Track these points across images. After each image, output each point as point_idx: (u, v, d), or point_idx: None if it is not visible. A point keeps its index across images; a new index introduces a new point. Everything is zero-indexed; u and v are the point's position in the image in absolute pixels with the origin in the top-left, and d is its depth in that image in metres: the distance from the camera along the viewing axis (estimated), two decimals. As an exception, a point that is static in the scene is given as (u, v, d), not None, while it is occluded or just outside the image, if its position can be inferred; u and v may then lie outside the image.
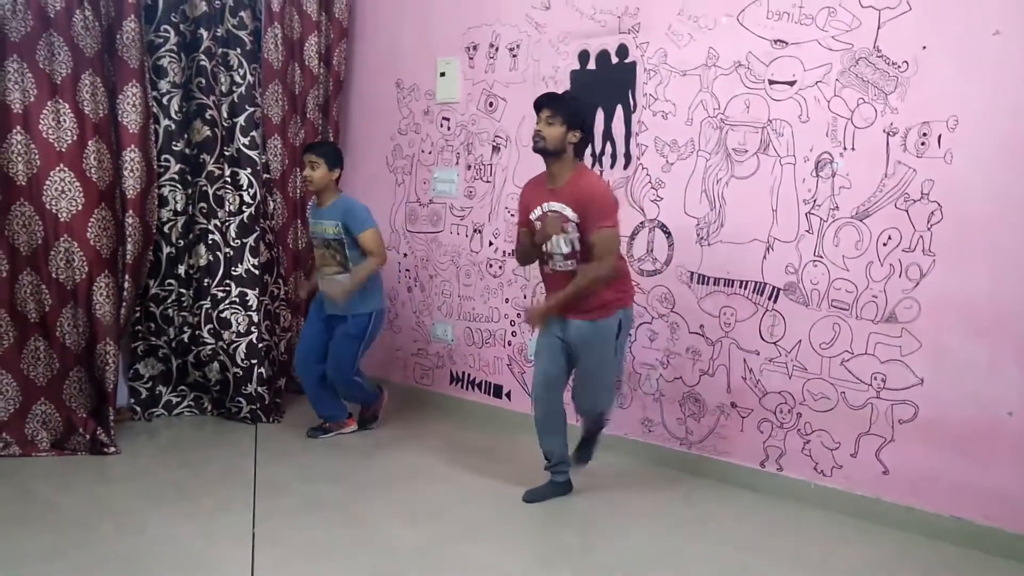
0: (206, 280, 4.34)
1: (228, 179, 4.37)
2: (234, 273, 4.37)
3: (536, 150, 3.17)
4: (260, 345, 4.37)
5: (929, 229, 3.10)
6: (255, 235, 4.41)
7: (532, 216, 3.24)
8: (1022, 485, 2.95)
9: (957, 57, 3.01)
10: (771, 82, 3.45)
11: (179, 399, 4.45)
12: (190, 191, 4.34)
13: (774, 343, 3.51)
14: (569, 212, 3.10)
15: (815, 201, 3.37)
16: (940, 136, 3.06)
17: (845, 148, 3.28)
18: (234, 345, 4.33)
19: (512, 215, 4.35)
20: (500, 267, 4.45)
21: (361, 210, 3.94)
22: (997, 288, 2.98)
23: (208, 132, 4.32)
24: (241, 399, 4.37)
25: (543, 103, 3.14)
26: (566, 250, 3.15)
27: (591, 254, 3.10)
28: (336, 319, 3.99)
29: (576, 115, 3.14)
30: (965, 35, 2.99)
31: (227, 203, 4.37)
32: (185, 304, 4.33)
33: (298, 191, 4.89)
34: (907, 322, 3.17)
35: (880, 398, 3.25)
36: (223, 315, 4.33)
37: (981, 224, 2.99)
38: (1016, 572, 2.89)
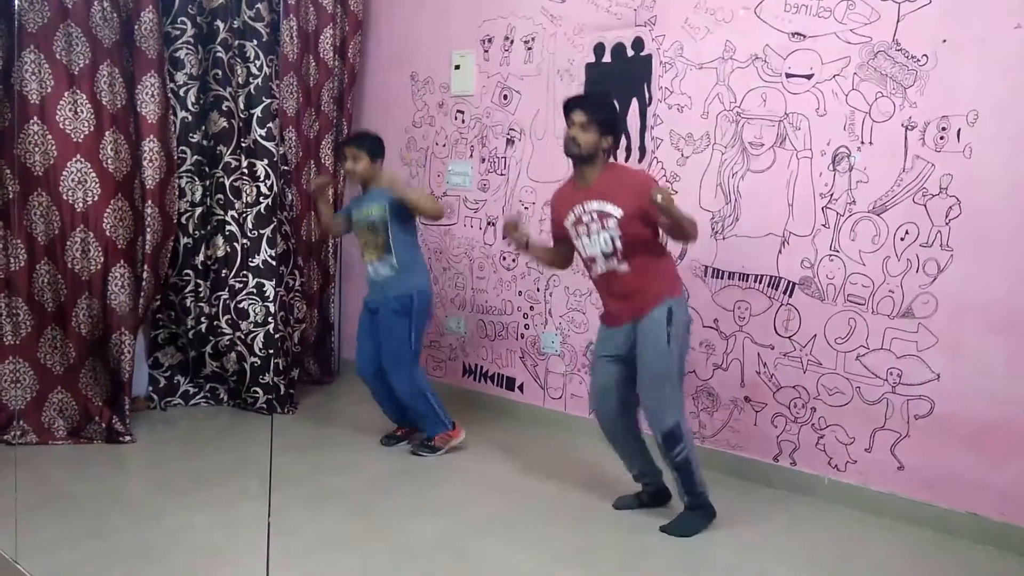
0: (224, 271, 4.36)
1: (245, 170, 4.38)
2: (251, 264, 4.38)
3: (569, 155, 3.06)
4: (276, 336, 4.38)
5: (947, 224, 3.09)
6: (272, 226, 4.41)
7: (567, 223, 3.09)
8: (1039, 482, 2.94)
9: (977, 51, 2.99)
10: (788, 75, 3.44)
11: (196, 389, 4.49)
12: (207, 182, 4.35)
13: (789, 337, 3.49)
14: (611, 208, 2.96)
15: (832, 195, 3.35)
16: (959, 130, 3.04)
17: (863, 142, 3.26)
18: (251, 335, 4.35)
19: (526, 207, 4.35)
20: (513, 260, 4.45)
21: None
22: (1015, 284, 2.96)
23: (225, 123, 4.34)
24: (257, 389, 4.39)
25: (576, 106, 3.02)
26: (607, 249, 2.99)
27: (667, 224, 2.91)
28: (381, 302, 3.82)
29: (611, 121, 3.06)
30: (986, 29, 2.97)
31: (244, 194, 4.38)
32: (202, 295, 4.35)
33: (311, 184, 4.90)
34: (924, 317, 3.15)
35: (896, 393, 3.23)
36: (240, 305, 4.35)
37: (1000, 219, 2.97)
38: (1032, 569, 2.88)
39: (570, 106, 3.05)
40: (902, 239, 3.19)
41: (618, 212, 2.95)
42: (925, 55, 3.10)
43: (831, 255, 3.36)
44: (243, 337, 4.34)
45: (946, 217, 3.09)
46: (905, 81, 3.15)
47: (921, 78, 3.11)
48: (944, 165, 3.08)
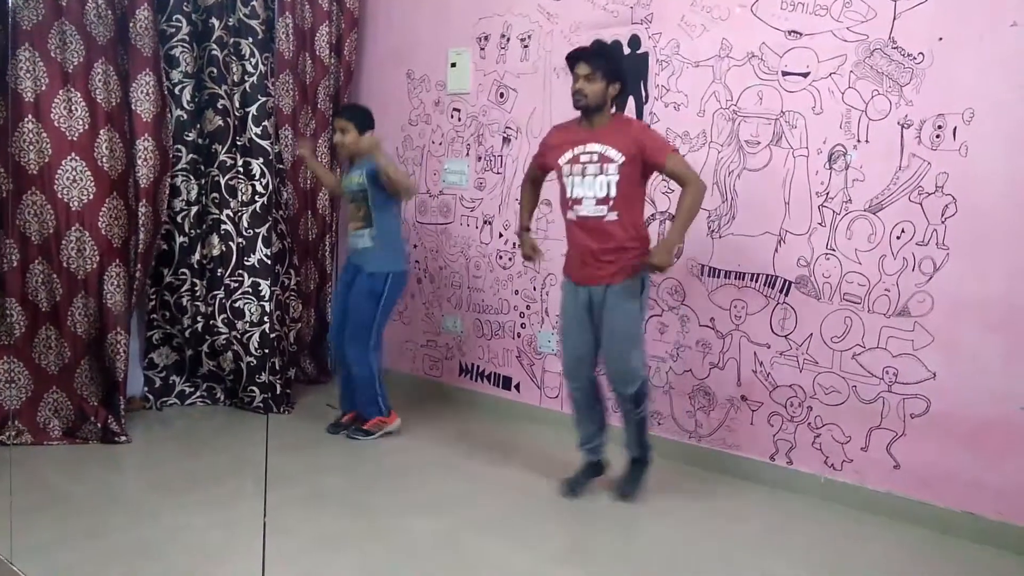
0: (219, 270, 4.35)
1: (240, 169, 4.37)
2: (247, 263, 4.37)
3: (578, 107, 3.10)
4: (272, 336, 4.38)
5: (943, 223, 3.08)
6: (267, 225, 4.41)
7: (562, 159, 3.14)
8: (1035, 480, 2.94)
9: (974, 49, 2.98)
10: (784, 73, 3.43)
11: (192, 389, 4.47)
12: (202, 181, 4.34)
13: (785, 336, 3.49)
14: (613, 152, 3.03)
15: (828, 194, 3.35)
16: (955, 129, 3.04)
17: (859, 140, 3.26)
18: (247, 335, 4.35)
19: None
20: (510, 259, 4.44)
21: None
22: (1012, 282, 2.95)
23: (220, 122, 4.32)
24: (254, 388, 4.38)
25: (579, 58, 3.07)
26: (600, 194, 3.05)
27: (679, 182, 3.06)
28: (358, 272, 3.90)
29: (615, 68, 3.11)
30: (982, 27, 2.96)
31: (240, 193, 4.37)
32: (199, 294, 4.34)
33: (308, 182, 4.89)
34: (920, 316, 3.15)
35: (892, 392, 3.23)
36: (236, 305, 4.34)
37: (996, 218, 2.97)
38: (1028, 568, 2.88)
39: (573, 59, 3.09)
40: (898, 237, 3.18)
41: (620, 157, 3.03)
42: (921, 53, 3.10)
43: (827, 254, 3.35)
44: (239, 337, 4.32)
45: (942, 215, 3.08)
46: (901, 79, 3.14)
47: (917, 76, 3.11)
48: (940, 163, 3.08)
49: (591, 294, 3.16)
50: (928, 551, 2.99)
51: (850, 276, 3.30)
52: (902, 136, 3.16)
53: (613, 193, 3.04)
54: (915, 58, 3.11)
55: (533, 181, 3.45)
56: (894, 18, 3.15)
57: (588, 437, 3.38)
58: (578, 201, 3.11)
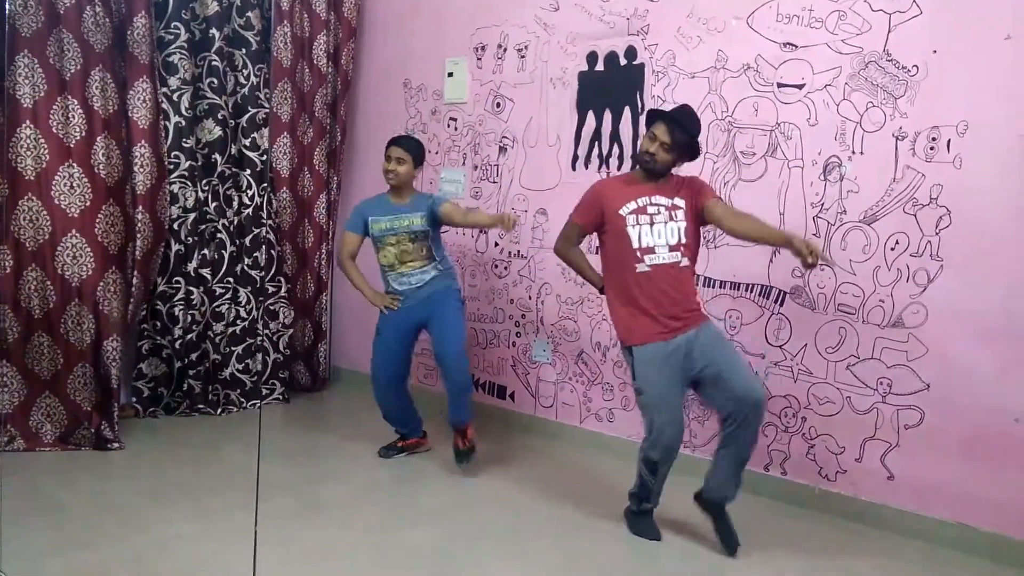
0: (212, 278, 4.38)
1: (233, 179, 4.43)
2: (234, 271, 4.47)
3: (642, 167, 2.99)
4: (252, 341, 4.50)
5: (937, 234, 3.09)
6: (251, 236, 4.53)
7: (624, 210, 2.96)
8: (1028, 492, 2.94)
9: (968, 62, 3.00)
10: (780, 85, 3.45)
11: (180, 399, 4.43)
12: (201, 189, 4.35)
13: (779, 347, 3.49)
14: (679, 201, 2.96)
15: (823, 205, 3.36)
16: (949, 141, 3.05)
17: (854, 152, 3.27)
18: (230, 340, 4.44)
19: (518, 216, 4.34)
20: (505, 268, 4.45)
21: (438, 193, 3.88)
22: (1006, 294, 2.96)
23: (220, 132, 4.35)
24: (240, 395, 4.45)
25: (663, 121, 2.92)
26: (672, 240, 2.94)
27: (727, 215, 2.92)
28: (421, 309, 3.73)
29: (693, 145, 2.96)
30: (976, 39, 2.98)
31: (233, 203, 4.42)
32: (194, 302, 4.34)
33: (307, 190, 4.90)
34: (914, 327, 3.16)
35: (886, 403, 3.23)
36: (219, 311, 4.43)
37: (990, 229, 2.98)
38: (1022, 580, 2.88)
39: (656, 118, 2.96)
40: (892, 249, 3.19)
41: (684, 204, 2.96)
42: (916, 66, 3.11)
43: (822, 264, 3.36)
44: (221, 343, 4.45)
45: (936, 227, 3.09)
46: (896, 91, 3.16)
47: (912, 88, 3.13)
48: (934, 175, 3.09)
49: (686, 342, 2.91)
50: (921, 563, 2.99)
51: (844, 287, 3.31)
52: (896, 148, 3.17)
53: (684, 240, 2.94)
54: (909, 71, 3.13)
55: (574, 243, 3.23)
56: (889, 31, 3.17)
57: (656, 494, 3.11)
58: (650, 250, 2.93)
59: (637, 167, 3.05)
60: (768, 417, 3.52)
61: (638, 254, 2.95)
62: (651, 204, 2.96)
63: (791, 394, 3.47)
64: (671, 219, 2.95)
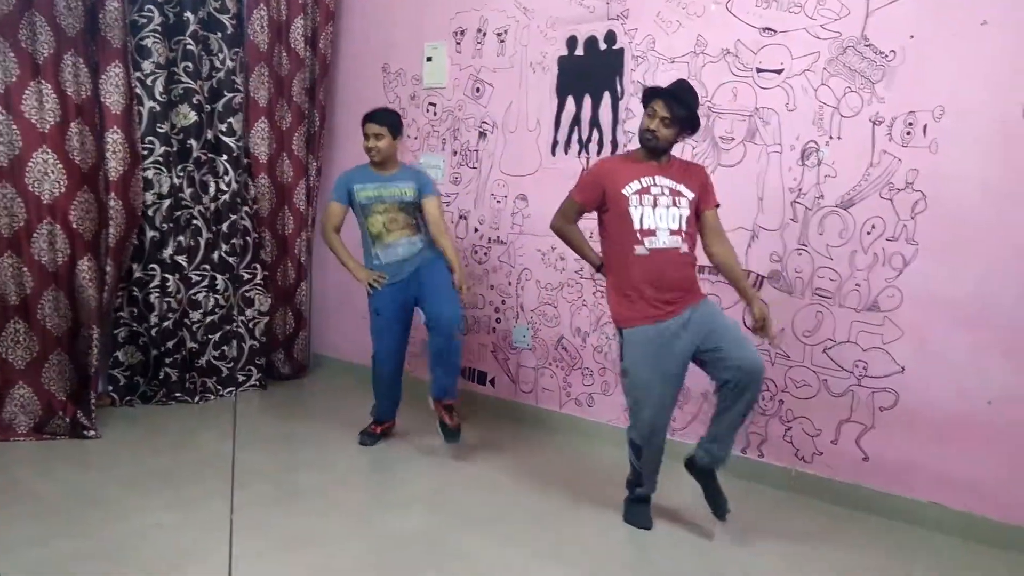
0: (188, 265, 4.35)
1: (210, 165, 4.39)
2: (210, 258, 4.45)
3: (645, 146, 2.95)
4: (228, 327, 4.53)
5: (913, 218, 3.12)
6: (228, 222, 4.51)
7: (627, 190, 2.92)
8: (1001, 472, 2.99)
9: (944, 47, 3.02)
10: (759, 70, 3.45)
11: (156, 388, 4.39)
12: (176, 175, 4.30)
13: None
14: (684, 188, 2.94)
15: (800, 190, 3.38)
16: (925, 126, 3.07)
17: (831, 137, 3.29)
18: (199, 325, 4.44)
19: (498, 201, 4.34)
20: (485, 254, 4.44)
21: (428, 176, 3.84)
22: (979, 277, 3.00)
23: (195, 116, 4.30)
24: (216, 382, 4.46)
25: (661, 97, 2.89)
26: (673, 226, 2.91)
27: (714, 233, 3.01)
28: (411, 283, 3.70)
29: (694, 118, 2.92)
30: (953, 25, 3.00)
31: (210, 189, 4.39)
32: (169, 290, 4.30)
33: (286, 176, 4.86)
34: (889, 310, 3.19)
35: (861, 386, 3.27)
36: (196, 298, 4.42)
37: (964, 214, 3.01)
38: (995, 558, 2.93)
39: (654, 95, 2.92)
40: (868, 233, 3.22)
41: (690, 194, 2.95)
42: (893, 51, 3.13)
43: (799, 249, 3.39)
44: (198, 330, 4.43)
45: (912, 211, 3.12)
46: (873, 76, 3.18)
47: (889, 74, 3.14)
48: (911, 160, 3.12)
49: (681, 322, 2.88)
50: (896, 542, 3.03)
51: (821, 271, 3.34)
52: (873, 133, 3.19)
53: (685, 227, 2.93)
54: (887, 56, 3.14)
55: (572, 221, 3.15)
56: (867, 16, 3.18)
57: (653, 482, 3.13)
58: (651, 232, 2.90)
59: (639, 146, 3.01)
60: (746, 400, 3.56)
61: (638, 235, 2.91)
62: (655, 185, 2.93)
63: (769, 377, 3.49)
64: (674, 204, 2.92)
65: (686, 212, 2.93)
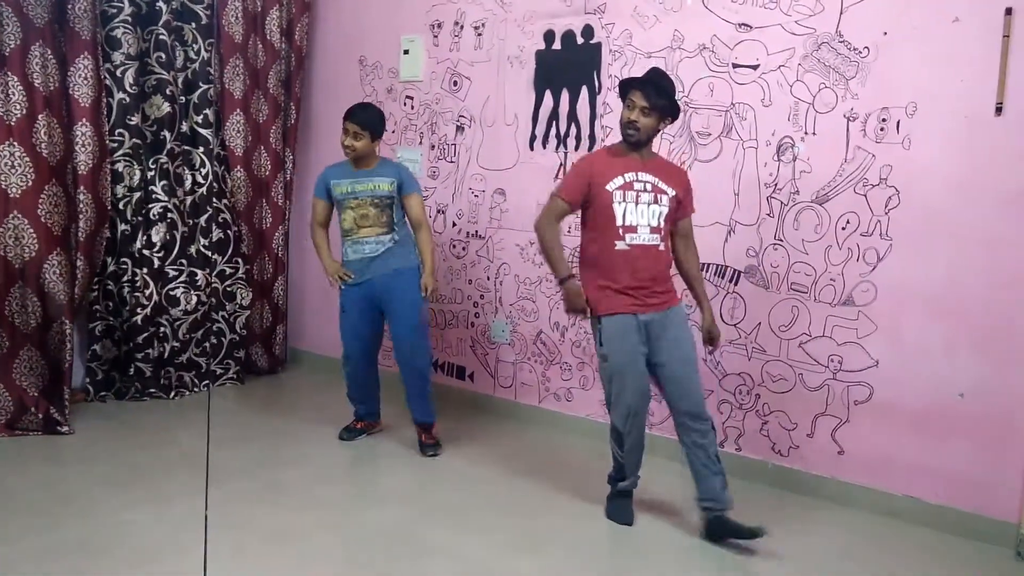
0: (164, 258, 4.28)
1: (185, 157, 4.32)
2: (187, 252, 4.38)
3: (627, 141, 2.95)
4: (209, 324, 4.49)
5: (887, 214, 3.15)
6: (207, 215, 4.45)
7: (611, 185, 2.92)
8: (974, 465, 3.03)
9: (917, 43, 3.04)
10: (735, 66, 3.46)
11: (130, 383, 4.33)
12: (147, 167, 4.23)
13: (734, 325, 3.54)
14: (665, 186, 2.96)
15: (776, 185, 3.39)
16: (899, 122, 3.10)
17: (806, 132, 3.31)
18: (179, 323, 4.38)
19: (476, 196, 4.32)
20: (463, 248, 4.42)
21: (411, 172, 3.79)
22: (952, 272, 3.03)
23: (168, 108, 4.24)
24: (195, 376, 4.42)
25: (637, 87, 2.90)
26: (653, 223, 2.93)
27: (686, 240, 3.08)
28: (375, 287, 3.65)
29: (673, 105, 2.95)
30: (925, 22, 3.02)
31: (185, 182, 4.32)
32: (139, 284, 4.23)
33: (263, 169, 4.81)
34: (864, 305, 3.22)
35: (836, 380, 3.30)
36: (173, 293, 4.35)
37: (938, 209, 3.04)
38: (968, 549, 2.97)
39: (629, 86, 2.93)
40: (843, 228, 3.24)
41: (671, 192, 2.97)
42: (867, 47, 3.15)
43: (775, 244, 3.40)
44: (175, 325, 4.37)
45: (886, 207, 3.15)
46: (847, 73, 3.19)
47: (863, 70, 3.16)
48: (884, 156, 3.14)
49: (650, 322, 2.93)
50: (872, 534, 3.06)
51: (797, 266, 3.36)
52: (848, 129, 3.21)
53: (663, 224, 2.96)
54: (861, 52, 3.16)
55: (556, 223, 3.07)
56: (841, 12, 3.19)
57: (632, 472, 3.12)
58: (632, 229, 2.92)
59: (621, 140, 3.00)
60: (723, 395, 3.59)
61: (620, 231, 2.92)
62: (637, 180, 2.94)
63: (745, 372, 3.52)
64: (655, 201, 2.94)
65: (666, 210, 2.96)
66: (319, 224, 3.76)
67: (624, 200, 2.93)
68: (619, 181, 2.93)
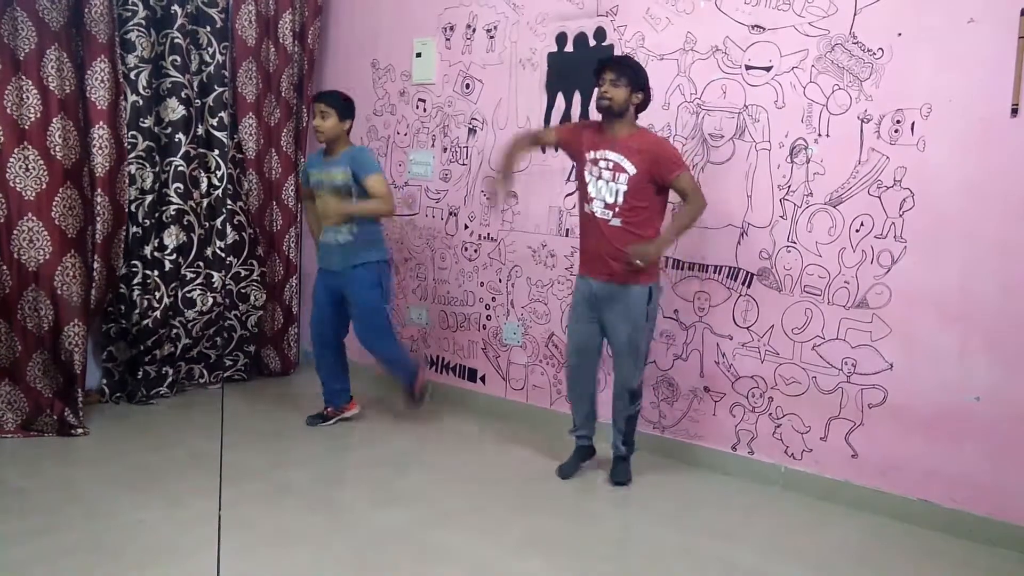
0: (179, 261, 4.31)
1: (200, 160, 4.35)
2: (204, 254, 4.40)
3: (601, 110, 3.23)
4: (222, 323, 4.56)
5: (901, 216, 3.13)
6: (222, 217, 4.48)
7: (587, 156, 3.26)
8: (988, 469, 3.00)
9: (932, 45, 3.03)
10: (748, 67, 3.45)
11: (142, 383, 4.34)
12: (160, 170, 4.26)
13: (747, 328, 3.53)
14: (627, 164, 3.16)
15: (789, 187, 3.38)
16: (913, 123, 3.08)
17: (820, 134, 3.29)
18: (197, 324, 4.41)
19: (488, 198, 4.32)
20: (475, 251, 4.43)
21: (368, 154, 3.84)
22: (967, 275, 3.01)
23: (184, 111, 4.26)
24: (202, 368, 4.53)
25: (606, 65, 3.20)
26: (608, 200, 3.19)
27: (684, 197, 3.22)
28: (339, 278, 3.80)
29: (639, 77, 3.20)
30: (940, 23, 3.00)
31: (201, 184, 4.36)
32: (150, 286, 4.25)
33: (274, 172, 4.83)
34: (878, 308, 3.20)
35: (850, 383, 3.28)
36: (189, 295, 4.37)
37: (952, 211, 3.02)
38: (982, 554, 2.94)
39: (601, 66, 3.21)
40: (857, 231, 3.23)
41: (632, 170, 3.15)
42: (881, 48, 3.13)
43: (788, 246, 3.39)
44: (189, 326, 4.40)
45: (900, 209, 3.13)
46: (861, 74, 3.18)
47: (877, 71, 3.15)
48: (898, 158, 3.12)
49: (599, 290, 3.28)
50: (884, 538, 3.04)
51: (811, 268, 3.34)
52: (862, 130, 3.19)
53: (620, 202, 3.18)
54: (875, 53, 3.15)
55: (535, 142, 3.61)
56: (855, 14, 3.18)
57: (575, 418, 3.56)
58: (591, 200, 3.25)
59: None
60: (736, 397, 3.57)
61: (588, 198, 3.27)
62: (603, 159, 3.21)
63: (758, 374, 3.50)
64: (613, 180, 3.19)
65: (623, 188, 3.17)
66: (308, 201, 4.05)
67: (591, 173, 3.25)
68: (591, 155, 3.25)
